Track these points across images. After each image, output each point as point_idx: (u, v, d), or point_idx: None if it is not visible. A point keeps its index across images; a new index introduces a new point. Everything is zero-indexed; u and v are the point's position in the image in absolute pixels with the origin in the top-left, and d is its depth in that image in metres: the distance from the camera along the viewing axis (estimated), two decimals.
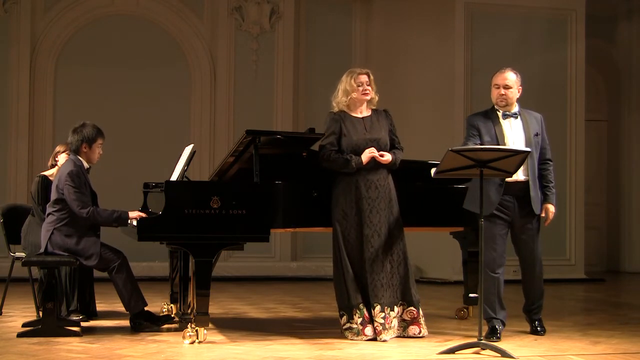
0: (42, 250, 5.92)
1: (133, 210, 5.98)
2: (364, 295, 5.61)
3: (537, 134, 5.81)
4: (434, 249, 9.63)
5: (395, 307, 5.66)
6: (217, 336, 5.72)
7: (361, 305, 5.59)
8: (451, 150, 5.08)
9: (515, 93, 5.80)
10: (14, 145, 10.03)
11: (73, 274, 6.46)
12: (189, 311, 6.11)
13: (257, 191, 5.53)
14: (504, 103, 5.79)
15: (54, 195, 5.96)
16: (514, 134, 5.76)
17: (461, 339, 5.54)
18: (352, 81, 5.74)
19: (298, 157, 5.97)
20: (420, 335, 5.69)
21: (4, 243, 6.80)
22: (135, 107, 10.28)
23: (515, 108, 5.84)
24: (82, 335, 5.63)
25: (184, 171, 6.14)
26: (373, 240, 5.61)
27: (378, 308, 5.57)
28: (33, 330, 5.68)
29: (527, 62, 9.74)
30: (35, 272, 6.52)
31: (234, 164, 6.07)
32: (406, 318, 5.71)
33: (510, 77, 5.80)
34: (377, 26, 11.07)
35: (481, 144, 5.63)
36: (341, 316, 5.66)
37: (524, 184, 5.73)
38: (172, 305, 6.74)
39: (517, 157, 5.17)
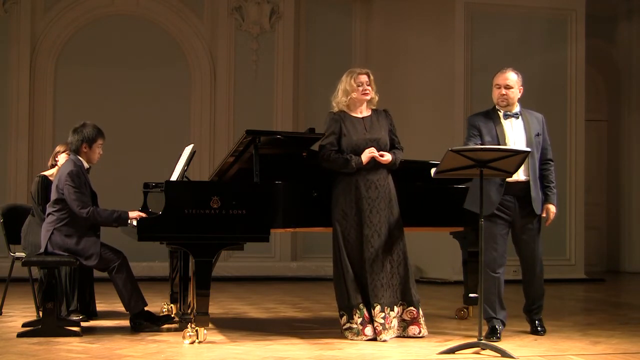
0: (42, 250, 5.92)
1: (133, 210, 5.98)
2: (364, 295, 5.61)
3: (538, 134, 5.81)
4: (434, 249, 9.63)
5: (395, 307, 5.66)
6: (217, 336, 5.72)
7: (361, 305, 5.59)
8: (451, 150, 5.08)
9: (516, 93, 5.80)
10: (14, 145, 10.03)
11: (73, 274, 6.46)
12: (189, 311, 6.11)
13: (257, 191, 5.53)
14: (505, 103, 5.79)
15: (54, 195, 5.96)
16: (515, 134, 5.76)
17: (461, 339, 5.54)
18: (352, 81, 5.74)
19: (298, 157, 5.97)
20: (420, 335, 5.69)
21: (4, 243, 6.80)
22: (135, 107, 10.29)
23: (517, 108, 5.84)
24: (82, 335, 5.63)
25: (184, 171, 6.14)
26: (373, 240, 5.61)
27: (378, 308, 5.57)
28: (33, 330, 5.68)
29: (527, 62, 9.74)
30: (35, 272, 6.52)
31: (234, 164, 6.06)
32: (406, 318, 5.71)
33: (512, 77, 5.80)
34: (377, 26, 11.07)
35: (482, 144, 5.63)
36: (341, 316, 5.66)
37: (525, 184, 5.73)
38: (172, 305, 6.74)
39: (517, 157, 5.17)
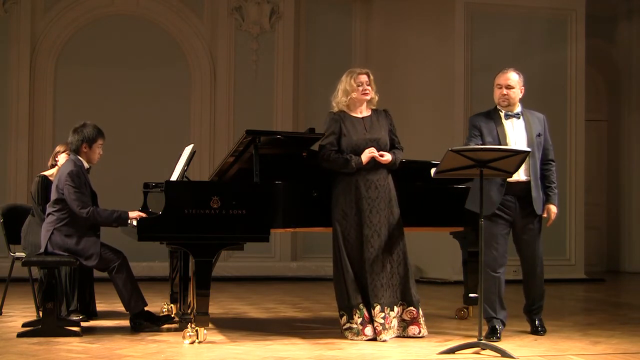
0: (42, 250, 5.92)
1: (133, 210, 5.98)
2: (363, 295, 5.61)
3: (539, 135, 5.81)
4: (434, 249, 9.63)
5: (395, 307, 5.66)
6: (217, 336, 5.73)
7: (361, 306, 5.59)
8: (451, 150, 5.08)
9: (517, 93, 5.81)
10: (14, 145, 10.03)
11: (73, 274, 6.46)
12: (189, 311, 6.11)
13: (257, 191, 5.53)
14: (506, 103, 5.79)
15: (54, 195, 5.96)
16: (516, 135, 5.76)
17: (461, 339, 5.54)
18: (352, 81, 5.74)
19: (298, 157, 5.97)
20: (420, 335, 5.69)
21: (4, 243, 6.80)
22: (135, 107, 10.29)
23: (518, 108, 5.84)
24: (82, 335, 5.63)
25: (184, 171, 6.13)
26: (373, 240, 5.61)
27: (378, 308, 5.57)
28: (33, 330, 5.68)
29: (527, 62, 9.74)
30: (35, 272, 6.52)
31: (234, 164, 6.06)
32: (406, 318, 5.71)
33: (513, 77, 5.80)
34: (377, 26, 11.07)
35: (483, 145, 5.62)
36: (341, 316, 5.66)
37: (526, 184, 5.73)
38: (172, 305, 6.74)
39: (517, 157, 5.17)
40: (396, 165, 5.76)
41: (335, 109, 5.82)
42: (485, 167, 5.14)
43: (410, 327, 5.70)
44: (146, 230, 5.42)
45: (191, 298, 6.01)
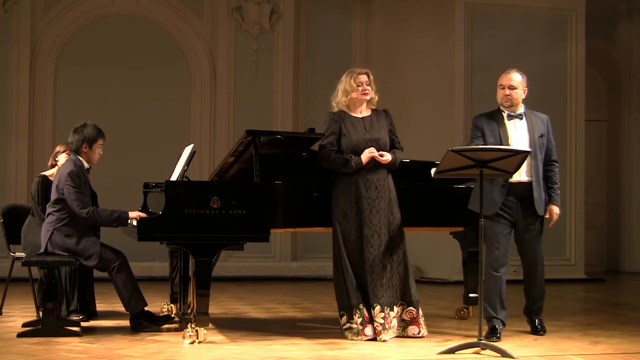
0: (42, 250, 5.92)
1: (133, 210, 5.98)
2: (363, 295, 5.61)
3: (542, 135, 5.81)
4: (434, 249, 9.63)
5: (394, 307, 5.66)
6: (217, 336, 5.73)
7: (361, 305, 5.59)
8: (451, 150, 5.08)
9: (520, 94, 5.81)
10: (14, 145, 10.03)
11: (73, 274, 6.46)
12: (189, 311, 6.11)
13: (257, 191, 5.53)
14: (508, 104, 5.80)
15: (54, 195, 5.96)
16: (518, 135, 5.76)
17: (461, 339, 5.53)
18: (352, 81, 5.74)
19: (298, 157, 5.97)
20: (420, 335, 5.69)
21: (4, 243, 6.80)
22: (135, 107, 10.29)
23: (521, 109, 5.84)
24: (82, 335, 5.63)
25: (184, 171, 6.13)
26: (373, 241, 5.61)
27: (378, 308, 5.57)
28: (33, 330, 5.68)
29: (527, 62, 9.73)
30: (35, 272, 6.52)
31: (234, 164, 6.06)
32: (405, 318, 5.71)
33: (516, 78, 5.80)
34: (377, 26, 11.07)
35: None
36: (341, 316, 5.66)
37: (527, 185, 5.73)
38: (172, 305, 6.74)
39: (517, 157, 5.17)
40: (396, 165, 5.75)
41: (335, 109, 5.82)
42: (485, 167, 5.14)
43: (410, 327, 5.70)
44: (146, 230, 5.42)
45: (191, 298, 6.01)
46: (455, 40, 10.19)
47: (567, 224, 10.36)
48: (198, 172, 9.76)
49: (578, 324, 6.55)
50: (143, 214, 5.82)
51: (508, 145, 5.67)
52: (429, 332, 5.77)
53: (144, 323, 5.91)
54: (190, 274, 5.99)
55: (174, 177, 6.14)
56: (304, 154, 5.96)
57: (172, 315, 6.40)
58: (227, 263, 10.00)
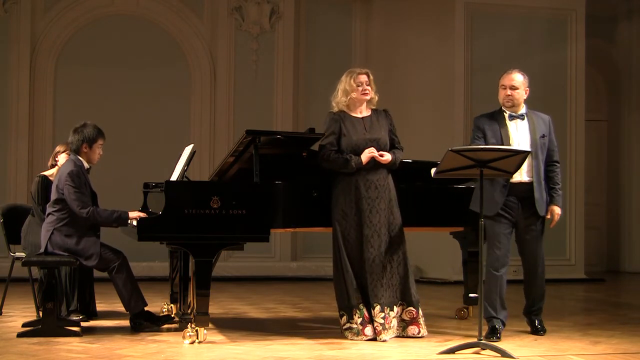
0: (42, 250, 5.92)
1: (133, 210, 5.98)
2: (363, 295, 5.61)
3: (543, 136, 5.80)
4: (434, 249, 9.63)
5: (394, 307, 5.66)
6: (217, 336, 5.73)
7: (361, 306, 5.59)
8: (451, 150, 5.08)
9: (522, 94, 5.81)
10: (14, 145, 10.03)
11: (73, 274, 6.46)
12: (189, 311, 6.11)
13: (257, 191, 5.53)
14: (510, 104, 5.80)
15: (54, 195, 5.96)
16: (519, 136, 5.76)
17: (461, 339, 5.53)
18: (352, 81, 5.74)
19: (298, 157, 5.97)
20: (420, 335, 5.69)
21: (4, 243, 6.80)
22: (135, 107, 10.29)
23: (523, 109, 5.84)
24: (82, 335, 5.63)
25: (184, 171, 6.13)
26: (373, 241, 5.61)
27: (378, 308, 5.57)
28: (33, 330, 5.68)
29: (527, 62, 9.72)
30: (35, 272, 6.52)
31: (234, 164, 6.06)
32: (405, 318, 5.71)
33: (517, 78, 5.80)
34: (377, 26, 11.07)
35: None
36: (341, 316, 5.66)
37: (528, 185, 5.73)
38: (172, 305, 6.74)
39: (517, 157, 5.17)
40: (396, 165, 5.75)
41: (335, 109, 5.82)
42: (485, 167, 5.15)
43: (410, 327, 5.70)
44: (146, 230, 5.42)
45: (191, 298, 6.01)
46: (455, 40, 10.19)
47: (567, 224, 10.36)
48: (198, 172, 9.76)
49: (578, 324, 6.55)
50: (143, 214, 5.82)
51: (509, 145, 5.66)
52: (429, 332, 5.77)
53: (144, 323, 5.91)
54: (190, 274, 5.99)
55: (174, 177, 6.14)
56: (304, 154, 5.96)
57: (172, 315, 6.40)
58: (227, 263, 10.00)
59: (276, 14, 10.73)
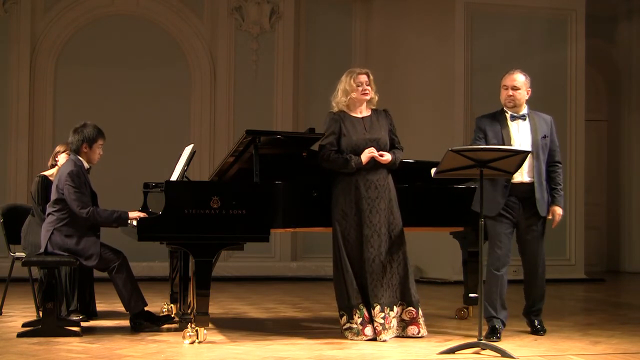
0: (42, 250, 5.92)
1: (133, 210, 5.98)
2: (363, 295, 5.61)
3: (545, 136, 5.80)
4: (434, 249, 9.63)
5: (394, 307, 5.66)
6: (217, 336, 5.73)
7: (361, 306, 5.59)
8: (451, 150, 5.08)
9: (523, 94, 5.81)
10: (14, 145, 10.03)
11: (73, 274, 6.46)
12: (189, 311, 6.11)
13: (257, 191, 5.53)
14: (511, 104, 5.80)
15: (54, 195, 5.96)
16: (520, 136, 5.76)
17: (461, 339, 5.54)
18: (352, 81, 5.74)
19: (298, 157, 5.97)
20: (420, 335, 5.68)
21: (4, 243, 6.80)
22: (135, 107, 10.29)
23: (524, 110, 5.84)
24: (82, 335, 5.63)
25: (184, 171, 6.13)
26: (373, 241, 5.61)
27: (378, 308, 5.57)
28: (33, 330, 5.68)
29: (527, 62, 9.71)
30: (35, 272, 6.52)
31: (234, 164, 6.06)
32: (405, 318, 5.71)
33: (519, 79, 5.81)
34: (377, 26, 11.07)
35: None
36: (341, 316, 5.66)
37: (529, 186, 5.73)
38: (172, 305, 6.74)
39: (517, 157, 5.17)
40: (396, 165, 5.75)
41: (335, 109, 5.82)
42: (485, 167, 5.15)
43: (410, 327, 5.70)
44: (146, 230, 5.42)
45: (191, 298, 6.01)
46: (455, 40, 10.19)
47: (567, 224, 10.36)
48: (198, 172, 9.76)
49: (578, 324, 6.55)
50: (143, 214, 5.82)
51: (511, 146, 5.66)
52: (429, 332, 5.77)
53: (144, 323, 5.91)
54: (190, 274, 5.99)
55: (174, 177, 6.14)
56: (304, 154, 5.96)
57: (172, 315, 6.40)
58: (227, 263, 10.00)
59: (276, 14, 10.73)
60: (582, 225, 10.60)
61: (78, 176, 5.86)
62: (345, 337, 5.58)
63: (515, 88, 5.78)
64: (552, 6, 10.46)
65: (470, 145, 5.80)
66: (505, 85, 5.83)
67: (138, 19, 10.49)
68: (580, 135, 10.61)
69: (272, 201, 5.54)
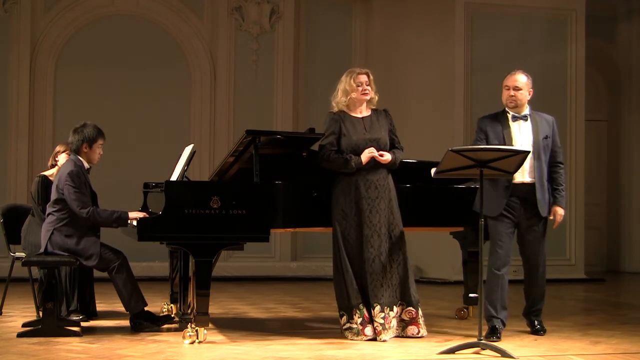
0: (42, 250, 5.92)
1: (133, 210, 5.98)
2: (363, 295, 5.61)
3: (546, 137, 5.80)
4: (434, 249, 9.63)
5: (394, 307, 5.66)
6: (217, 336, 5.73)
7: (361, 306, 5.59)
8: (451, 150, 5.08)
9: (525, 95, 5.81)
10: (14, 145, 10.03)
11: (73, 274, 6.46)
12: (189, 311, 6.11)
13: (257, 191, 5.53)
14: (513, 104, 5.80)
15: (54, 195, 5.96)
16: (522, 137, 5.76)
17: (461, 339, 5.54)
18: (352, 81, 5.74)
19: (298, 157, 5.97)
20: (419, 335, 5.68)
21: (4, 243, 6.80)
22: (135, 107, 10.29)
23: (526, 110, 5.84)
24: (82, 335, 5.63)
25: (184, 171, 6.13)
26: (373, 241, 5.61)
27: (378, 308, 5.57)
28: (33, 330, 5.68)
29: (527, 62, 9.71)
30: (35, 272, 6.52)
31: (234, 164, 6.06)
32: (405, 318, 5.71)
33: (521, 79, 5.81)
34: (377, 26, 11.07)
35: None
36: (341, 316, 5.66)
37: (530, 186, 5.73)
38: (172, 305, 6.74)
39: (517, 157, 5.17)
40: (396, 165, 5.75)
41: (335, 109, 5.82)
42: (485, 167, 5.15)
43: (409, 327, 5.70)
44: (146, 230, 5.42)
45: (191, 298, 6.01)
46: (455, 40, 10.19)
47: (567, 224, 10.35)
48: (198, 172, 9.76)
49: (578, 324, 6.55)
50: (143, 214, 5.82)
51: (511, 146, 5.66)
52: (429, 332, 5.77)
53: (144, 323, 5.91)
54: (190, 274, 5.99)
55: (174, 177, 6.14)
56: (304, 154, 5.96)
57: (172, 315, 6.40)
58: (227, 263, 10.00)
59: (276, 14, 10.73)
60: (582, 225, 10.60)
61: (78, 176, 5.86)
62: (345, 337, 5.58)
63: (516, 88, 5.78)
64: (552, 6, 10.46)
65: (472, 145, 5.80)
66: (507, 86, 5.83)
67: (138, 19, 10.49)
68: (580, 135, 10.61)
69: (272, 201, 5.54)
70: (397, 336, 5.65)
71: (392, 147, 5.79)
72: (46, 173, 6.78)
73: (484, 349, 5.13)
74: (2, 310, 6.71)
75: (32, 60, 10.12)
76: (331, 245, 5.72)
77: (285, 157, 6.01)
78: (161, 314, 6.42)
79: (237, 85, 10.61)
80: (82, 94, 10.16)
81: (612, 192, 12.16)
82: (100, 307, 6.82)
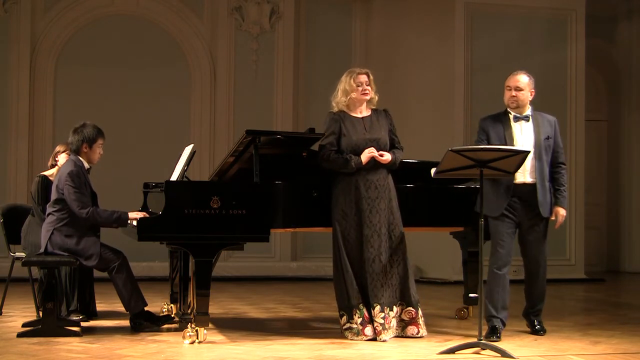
0: (42, 250, 5.92)
1: (133, 210, 5.98)
2: (363, 295, 5.61)
3: (548, 137, 5.80)
4: (434, 249, 9.63)
5: (394, 307, 5.66)
6: (217, 336, 5.73)
7: (361, 306, 5.59)
8: (451, 150, 5.08)
9: (527, 95, 5.81)
10: (14, 145, 10.03)
11: (73, 274, 6.46)
12: (189, 311, 6.11)
13: (257, 191, 5.53)
14: (514, 105, 5.80)
15: (54, 196, 5.96)
16: (523, 138, 5.76)
17: (461, 339, 5.54)
18: (352, 81, 5.74)
19: (298, 157, 5.97)
20: (419, 335, 5.68)
21: (4, 243, 6.80)
22: (135, 107, 10.29)
23: (528, 110, 5.84)
24: (82, 335, 5.63)
25: (184, 171, 6.13)
26: (372, 241, 5.61)
27: (378, 308, 5.57)
28: (33, 330, 5.68)
29: (527, 62, 9.71)
30: (35, 272, 6.52)
31: (234, 164, 6.06)
32: (405, 318, 5.71)
33: (522, 80, 5.81)
34: (377, 26, 11.07)
35: None
36: (341, 316, 5.66)
37: (531, 187, 5.73)
38: (172, 305, 6.74)
39: (517, 157, 5.17)
40: (396, 165, 5.75)
41: (335, 109, 5.82)
42: (485, 167, 5.15)
43: (409, 327, 5.70)
44: (146, 230, 5.42)
45: (191, 298, 6.01)
46: (455, 40, 10.19)
47: (567, 224, 10.31)
48: (198, 172, 9.76)
49: (578, 324, 6.55)
50: (143, 214, 5.82)
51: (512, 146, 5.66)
52: (429, 332, 5.77)
53: (144, 323, 5.91)
54: (190, 274, 5.99)
55: (174, 177, 6.14)
56: (304, 154, 5.96)
57: (172, 315, 6.40)
58: (227, 263, 10.00)
59: (276, 14, 10.73)
60: (582, 225, 10.60)
61: (78, 176, 5.86)
62: (345, 337, 5.58)
63: (518, 89, 5.78)
64: (552, 6, 10.46)
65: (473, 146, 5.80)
66: (508, 86, 5.83)
67: (138, 19, 10.49)
68: (580, 135, 10.61)
69: (272, 201, 5.54)
70: (397, 336, 5.66)
71: (392, 147, 5.79)
72: (46, 173, 6.78)
73: (484, 349, 5.13)
74: (2, 310, 6.71)
75: (32, 60, 10.12)
76: (331, 245, 5.72)
77: (285, 157, 6.01)
78: (161, 314, 6.42)
79: (237, 85, 10.61)
80: (82, 94, 10.16)
81: (612, 192, 12.16)
82: (100, 307, 6.82)
